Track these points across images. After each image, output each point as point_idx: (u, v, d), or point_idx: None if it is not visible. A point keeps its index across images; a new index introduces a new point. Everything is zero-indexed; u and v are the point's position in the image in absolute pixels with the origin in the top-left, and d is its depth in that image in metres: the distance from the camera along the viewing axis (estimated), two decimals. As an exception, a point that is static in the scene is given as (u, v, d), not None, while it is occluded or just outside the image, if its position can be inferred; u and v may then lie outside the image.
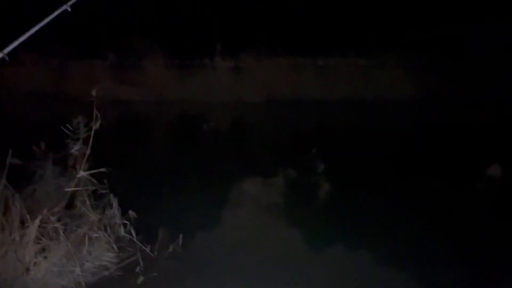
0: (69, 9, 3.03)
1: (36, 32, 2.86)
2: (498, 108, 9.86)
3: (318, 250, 4.52)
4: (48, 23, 2.90)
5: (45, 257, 3.64)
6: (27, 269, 3.57)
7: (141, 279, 3.78)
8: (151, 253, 4.11)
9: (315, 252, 4.49)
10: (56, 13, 2.94)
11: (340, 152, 7.98)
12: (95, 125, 4.13)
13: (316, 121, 10.65)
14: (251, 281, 3.81)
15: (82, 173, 4.08)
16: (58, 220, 3.86)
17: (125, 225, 4.29)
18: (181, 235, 4.20)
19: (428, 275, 3.65)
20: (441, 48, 11.35)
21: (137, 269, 3.90)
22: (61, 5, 2.97)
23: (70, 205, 4.09)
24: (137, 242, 4.11)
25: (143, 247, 4.11)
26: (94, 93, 4.12)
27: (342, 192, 6.20)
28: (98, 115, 4.14)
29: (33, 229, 3.71)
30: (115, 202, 4.31)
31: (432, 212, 5.22)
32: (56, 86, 11.62)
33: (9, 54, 2.70)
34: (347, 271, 3.99)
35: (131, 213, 4.34)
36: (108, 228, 4.15)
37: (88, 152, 4.12)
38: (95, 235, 4.00)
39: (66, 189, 3.96)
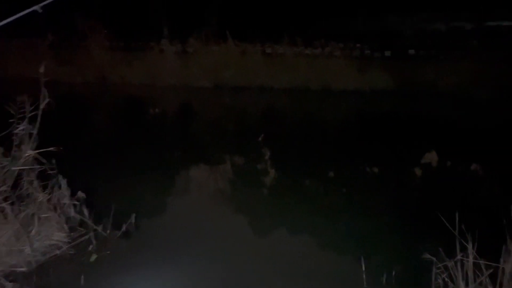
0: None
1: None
2: (434, 98, 10.48)
3: (263, 234, 4.62)
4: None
5: (-7, 237, 3.55)
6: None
7: (93, 257, 3.77)
8: (103, 232, 4.11)
9: (260, 236, 4.59)
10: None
11: (286, 139, 8.16)
12: (43, 104, 4.03)
13: (263, 108, 10.79)
14: (198, 262, 3.88)
15: (30, 152, 3.97)
16: (5, 200, 3.75)
17: (75, 205, 4.26)
18: (133, 215, 4.23)
19: (369, 257, 3.86)
20: (383, 40, 11.85)
21: (90, 248, 3.89)
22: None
23: (17, 186, 3.97)
24: (89, 221, 4.09)
25: (95, 227, 4.10)
26: (41, 70, 4.01)
27: (288, 178, 6.34)
28: (46, 94, 4.04)
29: (-22, 208, 3.59)
30: (63, 183, 4.25)
31: (372, 196, 5.47)
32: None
33: None
34: (291, 254, 4.12)
35: (80, 194, 4.31)
36: (58, 208, 4.09)
37: (35, 131, 4.00)
38: (45, 215, 3.93)
39: (13, 168, 3.85)
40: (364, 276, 3.58)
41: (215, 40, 11.95)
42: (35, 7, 2.98)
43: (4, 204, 3.69)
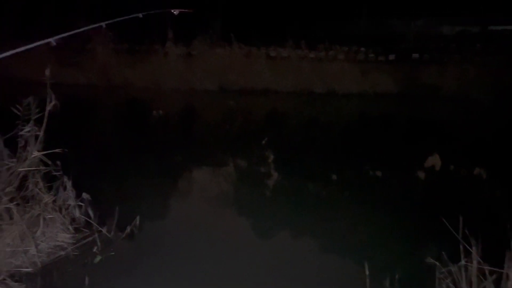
0: None
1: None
2: (437, 101, 10.50)
3: (266, 238, 4.62)
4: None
5: (-2, 238, 3.56)
6: (-21, 250, 3.47)
7: (98, 258, 3.78)
8: (107, 234, 4.12)
9: (264, 239, 4.58)
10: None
11: (290, 142, 8.17)
12: (49, 106, 4.06)
13: (267, 111, 10.81)
14: (202, 265, 3.88)
15: (35, 154, 3.99)
16: (11, 200, 3.76)
17: (80, 206, 4.26)
18: (138, 217, 4.24)
19: (373, 261, 3.85)
20: (387, 43, 11.88)
21: (94, 249, 3.90)
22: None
23: (22, 187, 3.99)
24: (94, 223, 4.11)
25: (100, 228, 4.11)
26: (47, 73, 4.03)
27: (291, 181, 6.34)
28: (52, 96, 4.07)
29: (-16, 209, 3.60)
30: (68, 184, 4.26)
31: (375, 200, 5.47)
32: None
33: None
34: (294, 258, 4.11)
35: (84, 195, 4.31)
36: (63, 210, 4.10)
37: (41, 133, 4.02)
38: (50, 216, 3.94)
39: (19, 169, 3.86)
40: (367, 280, 3.57)
41: (219, 43, 12.00)
42: (50, 39, 3.04)
43: (9, 205, 3.70)
